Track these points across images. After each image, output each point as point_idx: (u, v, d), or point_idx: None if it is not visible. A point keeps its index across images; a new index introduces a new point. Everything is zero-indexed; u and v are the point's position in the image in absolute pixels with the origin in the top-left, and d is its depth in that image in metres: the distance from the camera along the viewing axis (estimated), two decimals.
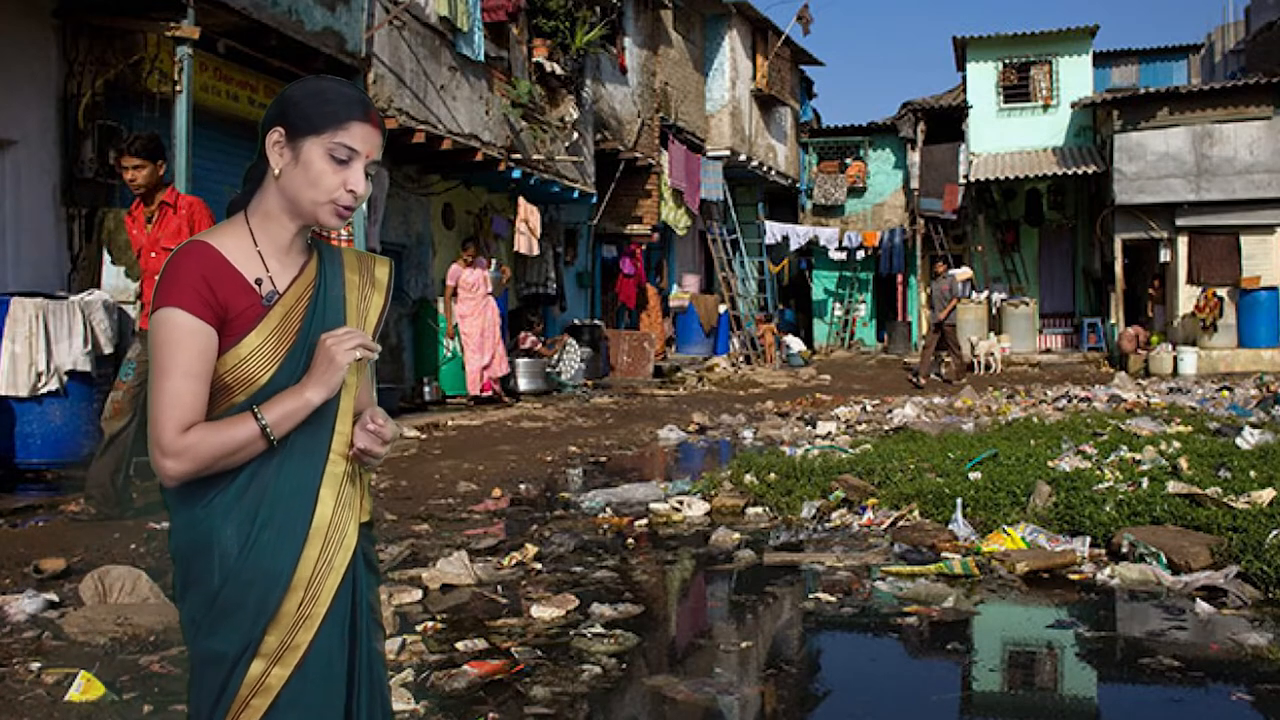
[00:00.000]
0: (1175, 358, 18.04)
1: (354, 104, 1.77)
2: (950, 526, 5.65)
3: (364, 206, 10.34)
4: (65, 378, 6.60)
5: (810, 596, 4.70)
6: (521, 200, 14.01)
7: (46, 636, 3.96)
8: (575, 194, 15.30)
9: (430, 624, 4.19)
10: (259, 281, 1.74)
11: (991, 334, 20.63)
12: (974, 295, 21.40)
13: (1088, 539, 5.22)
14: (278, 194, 1.77)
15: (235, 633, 1.67)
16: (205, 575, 1.69)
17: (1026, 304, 22.13)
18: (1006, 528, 5.45)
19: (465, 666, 3.66)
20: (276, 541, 1.68)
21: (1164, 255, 19.57)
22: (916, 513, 6.01)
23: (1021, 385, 15.43)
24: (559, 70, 14.06)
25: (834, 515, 6.23)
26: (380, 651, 1.84)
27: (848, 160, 24.72)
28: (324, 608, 1.70)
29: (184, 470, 1.65)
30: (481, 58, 12.37)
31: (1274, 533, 4.81)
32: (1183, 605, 4.43)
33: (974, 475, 6.58)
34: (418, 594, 4.59)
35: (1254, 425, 8.47)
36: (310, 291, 1.79)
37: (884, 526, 5.88)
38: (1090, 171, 20.77)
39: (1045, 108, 22.75)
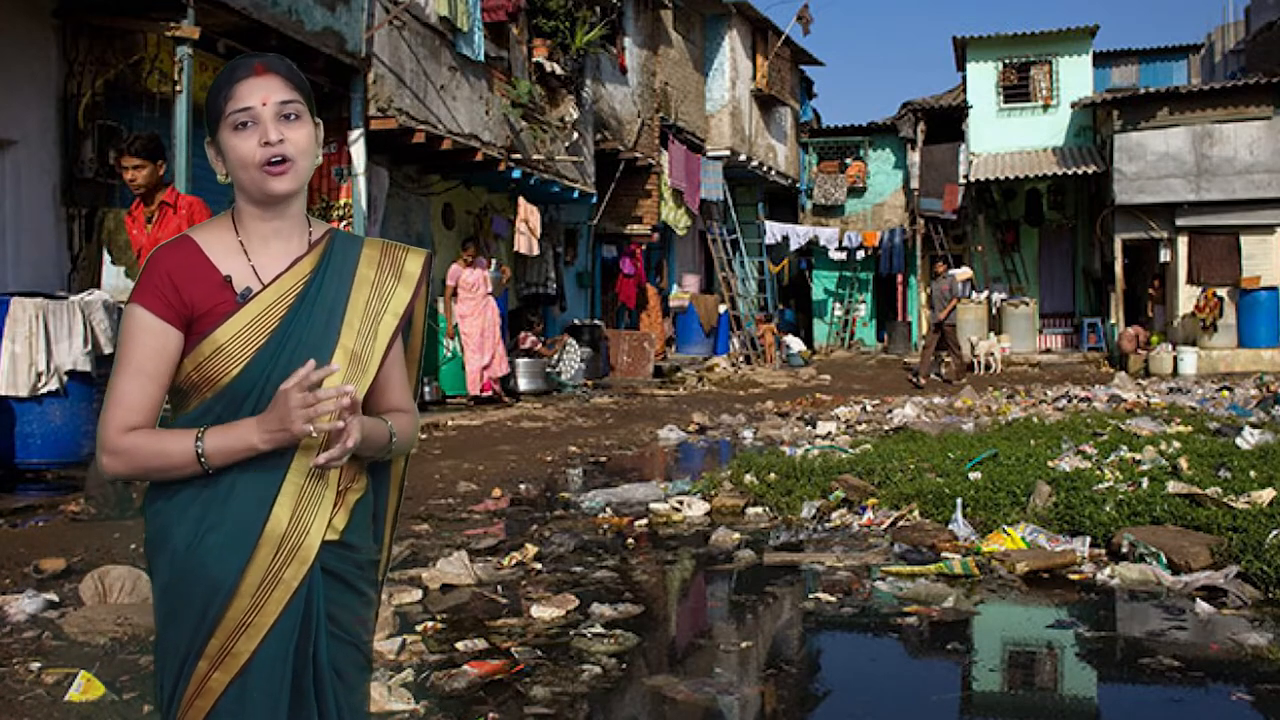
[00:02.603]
0: (1175, 358, 18.04)
1: (235, 70, 1.73)
2: (950, 526, 5.65)
3: (364, 206, 10.33)
4: (65, 378, 6.60)
5: (810, 596, 4.70)
6: (521, 200, 14.01)
7: (46, 636, 3.96)
8: (575, 194, 15.30)
9: (430, 624, 4.19)
10: (229, 279, 1.70)
11: (991, 334, 20.62)
12: (974, 295, 21.39)
13: (1088, 539, 5.22)
14: (238, 189, 1.76)
15: (183, 630, 1.66)
16: (161, 569, 1.70)
17: (1026, 304, 22.12)
18: (1006, 528, 5.45)
19: (465, 666, 3.66)
20: (223, 546, 1.65)
21: (1164, 255, 19.57)
22: (916, 513, 6.01)
23: (1021, 385, 15.43)
24: (559, 70, 14.06)
25: (834, 515, 6.23)
26: (347, 668, 1.75)
27: (848, 160, 24.71)
28: (270, 619, 1.65)
29: (119, 471, 1.65)
30: (481, 58, 12.38)
31: (1274, 533, 4.81)
32: (1183, 605, 4.43)
33: (974, 475, 6.58)
34: (418, 594, 4.59)
35: (1254, 425, 8.46)
36: (299, 288, 1.73)
37: (884, 526, 5.88)
38: (1090, 171, 20.77)
39: (1045, 108, 22.74)
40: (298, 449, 1.68)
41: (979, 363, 19.20)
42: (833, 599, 4.62)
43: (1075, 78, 22.57)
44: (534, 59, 13.90)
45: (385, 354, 1.79)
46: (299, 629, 1.68)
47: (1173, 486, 5.82)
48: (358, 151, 10.29)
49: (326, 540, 1.71)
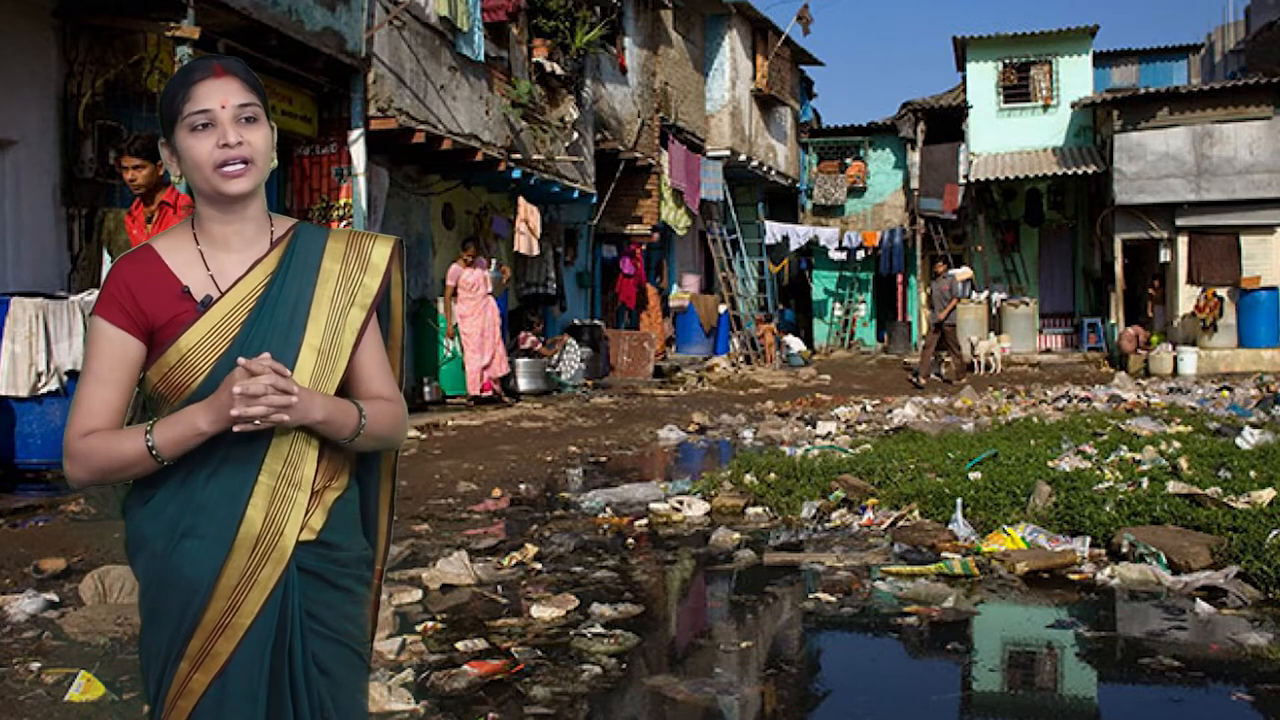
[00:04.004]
0: (1175, 358, 18.03)
1: (192, 71, 1.73)
2: (950, 526, 5.65)
3: (364, 206, 10.33)
4: (65, 378, 6.60)
5: (810, 596, 4.70)
6: (521, 200, 14.01)
7: (46, 636, 3.96)
8: (575, 194, 15.30)
9: (430, 624, 4.19)
10: (187, 290, 1.71)
11: (991, 334, 20.62)
12: (974, 295, 21.39)
13: (1088, 539, 5.21)
14: (196, 192, 1.76)
15: (163, 633, 1.68)
16: (141, 572, 1.71)
17: (1026, 304, 22.12)
18: (1006, 528, 5.45)
19: (465, 666, 3.66)
20: (198, 550, 1.66)
21: (1164, 255, 19.56)
22: (916, 513, 6.01)
23: (1021, 385, 15.43)
24: (559, 70, 14.06)
25: (834, 515, 6.23)
26: (335, 666, 1.75)
27: (848, 160, 24.71)
28: (247, 619, 1.66)
29: (78, 475, 1.65)
30: (481, 58, 12.37)
31: (1274, 533, 4.81)
32: (1183, 605, 4.44)
33: (974, 475, 6.57)
34: (418, 594, 4.60)
35: (1254, 425, 8.46)
36: (260, 290, 1.73)
37: (884, 526, 5.88)
38: (1090, 171, 20.76)
39: (1045, 108, 22.74)
40: (269, 451, 1.69)
41: (979, 363, 19.19)
42: (833, 599, 4.62)
43: (1075, 78, 22.57)
44: (534, 59, 13.89)
45: (355, 345, 1.78)
46: (276, 629, 1.68)
47: (1173, 486, 5.81)
48: (358, 151, 10.29)
49: (303, 540, 1.71)
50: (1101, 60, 25.93)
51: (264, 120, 1.74)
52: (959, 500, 5.86)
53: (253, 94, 1.73)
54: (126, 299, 1.68)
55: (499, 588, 4.78)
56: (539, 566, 5.17)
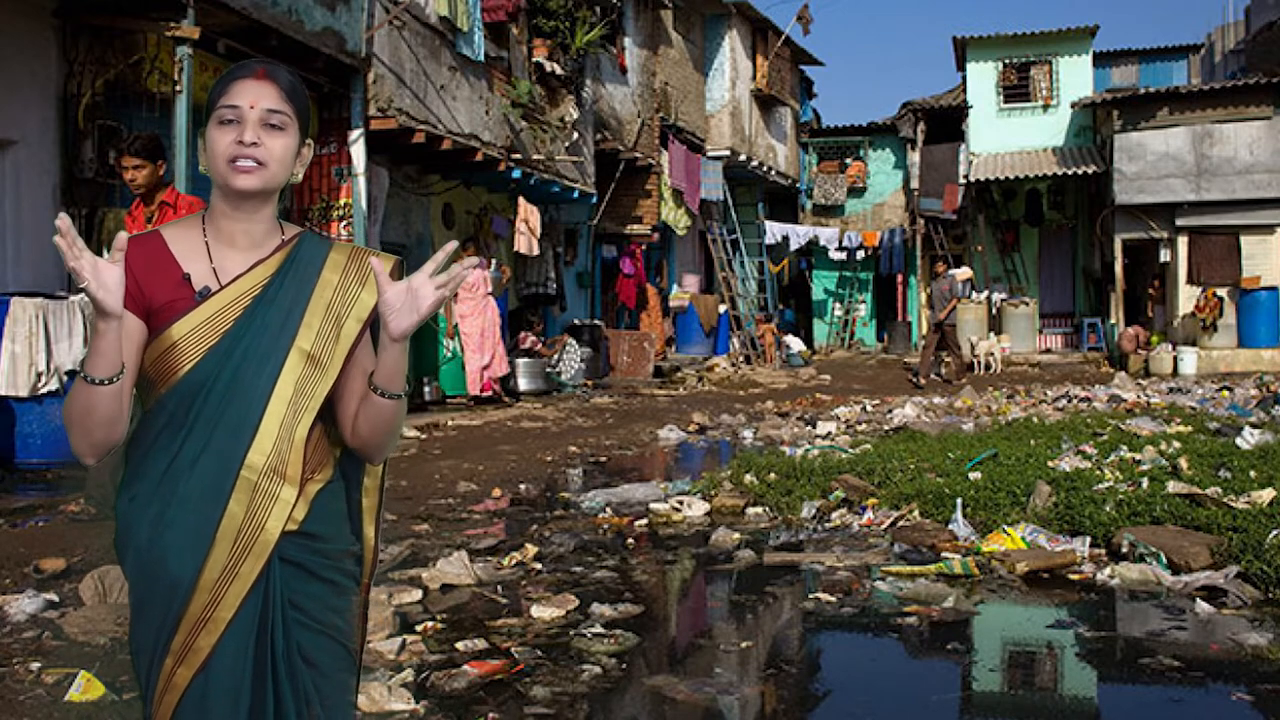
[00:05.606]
0: (1175, 358, 18.03)
1: (239, 68, 1.77)
2: (950, 526, 5.65)
3: (364, 206, 10.33)
4: (65, 378, 6.61)
5: (810, 596, 4.70)
6: (521, 200, 14.01)
7: (46, 636, 3.96)
8: (575, 194, 15.30)
9: (430, 624, 4.19)
10: (188, 277, 1.73)
11: (991, 334, 20.61)
12: (974, 295, 21.39)
13: (1088, 539, 5.22)
14: (213, 184, 1.78)
15: (149, 627, 1.68)
16: (128, 567, 1.72)
17: (1026, 304, 22.11)
18: (1006, 528, 5.45)
19: (465, 666, 3.66)
20: (180, 543, 1.66)
21: (1164, 255, 19.56)
22: (916, 513, 6.01)
23: (1021, 385, 15.43)
24: (559, 70, 14.06)
25: (834, 515, 6.23)
26: (320, 657, 1.75)
27: (848, 160, 24.71)
28: (229, 613, 1.66)
29: (73, 441, 1.66)
30: (481, 58, 12.38)
31: (1274, 533, 4.81)
32: (1183, 605, 4.44)
33: (974, 475, 6.58)
34: (418, 594, 4.59)
35: (1254, 425, 8.46)
36: (257, 290, 1.75)
37: (884, 526, 5.88)
38: (1090, 171, 20.76)
39: (1045, 108, 22.74)
40: (252, 444, 1.70)
41: (979, 363, 19.19)
42: (833, 599, 4.62)
43: (1075, 78, 22.57)
44: (534, 59, 13.90)
45: (349, 356, 1.79)
46: (258, 621, 1.69)
47: (1173, 486, 5.82)
48: (358, 151, 10.29)
49: (286, 531, 1.72)
50: (1101, 60, 25.94)
51: (292, 132, 1.77)
52: (959, 500, 5.86)
53: (286, 104, 1.76)
54: (129, 281, 1.68)
55: (499, 588, 4.78)
56: (539, 566, 5.17)
